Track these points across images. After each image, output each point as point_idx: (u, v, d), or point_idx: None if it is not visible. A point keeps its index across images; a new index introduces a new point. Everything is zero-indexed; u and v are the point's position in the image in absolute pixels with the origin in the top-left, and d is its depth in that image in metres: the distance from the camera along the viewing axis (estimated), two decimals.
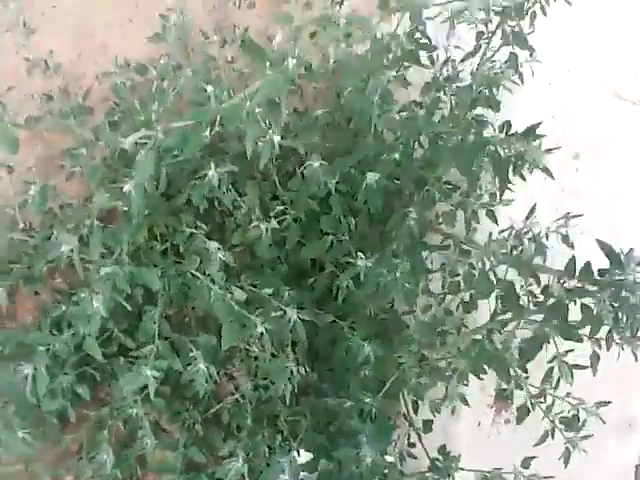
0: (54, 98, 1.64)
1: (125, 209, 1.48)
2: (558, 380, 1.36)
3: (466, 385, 1.53)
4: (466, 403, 1.60)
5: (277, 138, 1.31)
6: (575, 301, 1.18)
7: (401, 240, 1.53)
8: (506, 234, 1.59)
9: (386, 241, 1.62)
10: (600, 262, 1.29)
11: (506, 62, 1.65)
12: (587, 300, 1.19)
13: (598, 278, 1.18)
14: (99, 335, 1.51)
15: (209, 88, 1.32)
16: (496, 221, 1.67)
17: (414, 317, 1.72)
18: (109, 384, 1.76)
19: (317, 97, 1.82)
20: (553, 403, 1.49)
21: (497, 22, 1.52)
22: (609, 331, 1.21)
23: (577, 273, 1.20)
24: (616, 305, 1.13)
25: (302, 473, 1.49)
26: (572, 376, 1.33)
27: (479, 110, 1.48)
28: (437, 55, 1.69)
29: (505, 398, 1.59)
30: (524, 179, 1.43)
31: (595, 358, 1.32)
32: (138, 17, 1.96)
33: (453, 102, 1.55)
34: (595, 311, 1.14)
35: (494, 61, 1.68)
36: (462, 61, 1.69)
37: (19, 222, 1.67)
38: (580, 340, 1.21)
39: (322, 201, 1.60)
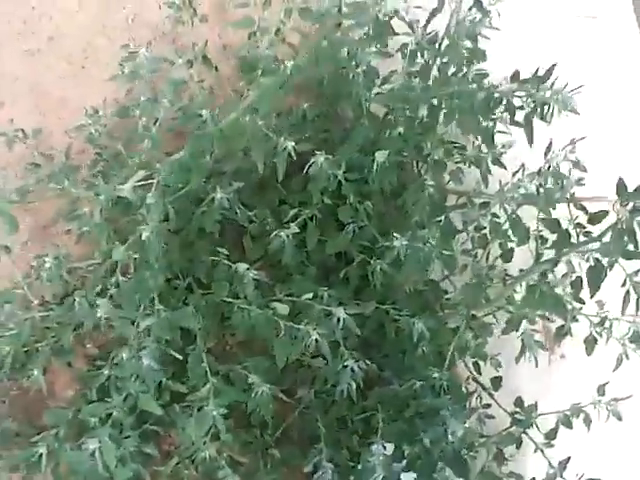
0: (41, 165, 1.57)
1: (136, 257, 1.45)
2: (637, 303, 1.34)
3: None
4: (544, 347, 1.59)
5: (292, 144, 1.27)
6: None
7: (423, 210, 1.51)
8: (520, 175, 1.57)
9: (406, 215, 1.60)
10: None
11: (470, 8, 1.64)
12: None
13: None
14: (146, 390, 1.47)
15: (204, 112, 1.27)
16: (505, 167, 1.65)
17: (450, 282, 1.71)
18: (169, 435, 1.73)
19: (297, 93, 1.78)
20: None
21: None
22: None
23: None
24: None
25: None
26: None
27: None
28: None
29: (563, 335, 1.59)
30: (549, 123, 1.40)
31: None
32: (89, 64, 1.91)
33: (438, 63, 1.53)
34: None
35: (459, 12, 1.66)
36: (429, 20, 1.66)
37: (32, 299, 1.61)
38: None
39: (333, 194, 1.57)
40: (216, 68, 1.76)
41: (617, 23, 2.14)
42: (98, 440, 1.41)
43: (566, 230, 1.32)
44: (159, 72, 1.68)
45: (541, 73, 1.39)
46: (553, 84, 1.31)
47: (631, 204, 1.13)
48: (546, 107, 1.30)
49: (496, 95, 1.33)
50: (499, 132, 1.61)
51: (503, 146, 1.64)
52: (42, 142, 1.77)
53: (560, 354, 1.85)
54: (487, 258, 1.68)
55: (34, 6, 1.94)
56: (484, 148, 1.62)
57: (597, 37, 2.10)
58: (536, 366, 1.81)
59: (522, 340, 1.54)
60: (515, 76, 1.35)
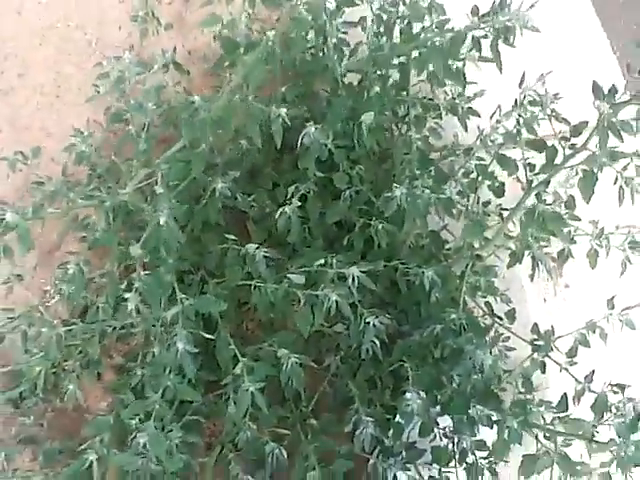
0: (44, 183, 1.64)
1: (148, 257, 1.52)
2: (632, 198, 1.43)
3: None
4: (553, 258, 1.68)
5: (284, 110, 1.35)
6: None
7: (413, 163, 1.60)
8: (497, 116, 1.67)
9: (395, 175, 1.69)
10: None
11: None
12: None
13: None
14: (190, 380, 1.53)
15: (196, 98, 1.35)
16: (478, 114, 1.75)
17: (449, 232, 1.80)
18: (209, 427, 1.79)
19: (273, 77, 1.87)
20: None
21: None
22: None
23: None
24: None
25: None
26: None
27: None
28: None
29: (566, 258, 1.68)
30: (514, 46, 1.50)
31: None
32: (63, 92, 1.98)
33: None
34: None
35: None
36: None
37: (52, 320, 1.67)
38: (627, 155, 1.30)
39: (324, 166, 1.65)
40: (188, 72, 1.84)
41: None
42: (146, 433, 1.46)
43: (552, 146, 1.42)
44: (137, 82, 1.76)
45: None
46: (509, 8, 1.41)
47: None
48: (508, 31, 1.39)
49: (460, 33, 1.42)
50: (470, 83, 1.73)
51: (475, 94, 1.74)
52: (32, 172, 1.85)
53: (564, 284, 1.94)
54: (479, 202, 1.77)
55: None
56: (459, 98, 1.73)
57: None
58: (544, 300, 1.92)
59: (532, 258, 1.61)
60: (474, 10, 1.45)
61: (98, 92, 1.81)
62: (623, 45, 2.17)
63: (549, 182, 1.46)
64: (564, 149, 1.40)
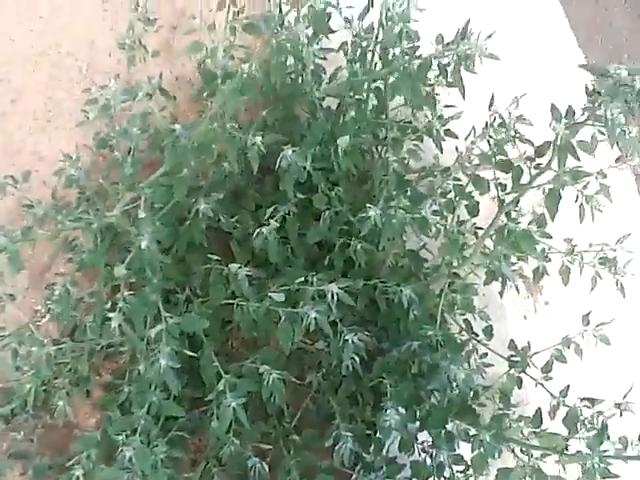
0: (34, 206, 1.71)
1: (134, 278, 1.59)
2: (592, 215, 1.50)
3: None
4: (525, 276, 1.74)
5: (259, 139, 1.42)
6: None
7: (390, 185, 1.67)
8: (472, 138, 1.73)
9: (374, 195, 1.76)
10: None
11: None
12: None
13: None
14: (174, 395, 1.59)
15: (177, 127, 1.43)
16: (456, 135, 1.81)
17: (428, 250, 1.86)
18: (193, 443, 1.85)
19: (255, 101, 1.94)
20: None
21: None
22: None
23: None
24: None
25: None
26: (601, 205, 1.48)
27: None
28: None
29: (541, 275, 1.74)
30: (476, 73, 1.57)
31: (606, 188, 1.47)
32: (54, 117, 2.06)
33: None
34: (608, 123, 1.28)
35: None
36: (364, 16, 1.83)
37: (43, 339, 1.73)
38: (589, 174, 1.37)
39: (304, 188, 1.72)
40: (174, 98, 1.92)
41: None
42: (132, 447, 1.52)
43: (518, 166, 1.48)
44: (122, 109, 1.83)
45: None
46: (470, 38, 1.48)
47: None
48: (468, 59, 1.46)
49: (426, 60, 1.49)
50: (447, 107, 1.80)
51: (451, 117, 1.81)
52: (24, 196, 1.92)
53: (544, 301, 2.00)
54: (458, 220, 1.83)
55: None
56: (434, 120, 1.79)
57: (517, 7, 2.29)
58: (525, 317, 1.98)
59: (501, 276, 1.67)
60: (439, 39, 1.53)
61: (87, 117, 1.87)
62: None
63: (518, 201, 1.52)
64: (530, 169, 1.46)
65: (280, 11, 1.63)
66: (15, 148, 2.03)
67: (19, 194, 1.86)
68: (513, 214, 1.51)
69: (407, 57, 1.50)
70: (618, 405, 1.49)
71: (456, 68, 1.46)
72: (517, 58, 2.20)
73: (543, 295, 1.98)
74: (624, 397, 1.49)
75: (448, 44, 1.48)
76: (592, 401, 1.50)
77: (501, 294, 1.71)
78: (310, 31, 1.64)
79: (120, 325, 1.46)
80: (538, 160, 1.46)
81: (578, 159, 1.31)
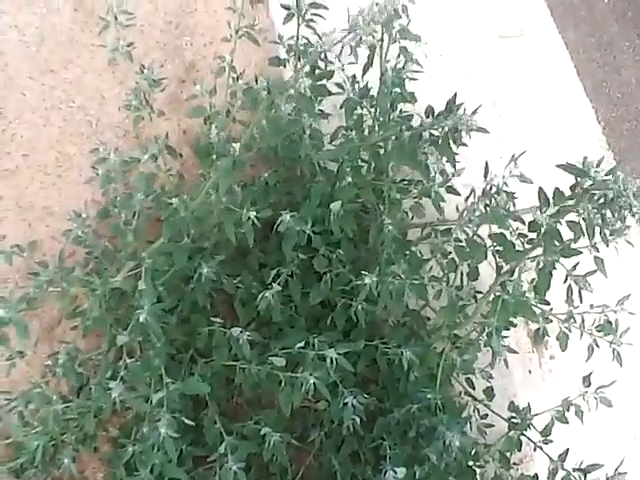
0: (39, 273, 1.80)
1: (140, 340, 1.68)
2: (580, 293, 1.56)
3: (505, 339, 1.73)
4: (514, 351, 1.79)
5: (253, 214, 1.50)
6: (560, 222, 1.39)
7: (389, 247, 1.73)
8: (472, 199, 1.80)
9: (376, 254, 1.83)
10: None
11: (399, 56, 1.89)
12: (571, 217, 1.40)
13: (571, 194, 1.39)
14: (169, 459, 1.67)
15: (174, 201, 1.51)
16: (458, 193, 1.88)
17: (431, 308, 1.92)
18: None
19: (254, 164, 2.03)
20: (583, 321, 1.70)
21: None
22: (600, 232, 1.40)
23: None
24: (598, 206, 1.33)
25: None
26: (589, 284, 1.54)
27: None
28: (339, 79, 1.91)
29: (542, 337, 1.80)
30: (466, 145, 1.65)
31: (599, 261, 1.53)
32: (64, 171, 2.16)
33: (375, 112, 1.76)
34: (585, 219, 1.34)
35: (389, 60, 1.91)
36: (364, 73, 1.92)
37: (52, 396, 1.82)
38: (579, 252, 1.43)
39: (307, 249, 1.79)
40: (180, 155, 2.00)
41: (542, 41, 2.39)
42: None
43: (510, 241, 1.55)
44: (130, 168, 1.92)
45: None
46: (458, 110, 1.55)
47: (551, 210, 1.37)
48: (456, 132, 1.53)
49: (417, 132, 1.57)
50: (448, 162, 1.86)
51: (452, 174, 1.87)
52: (35, 250, 2.02)
53: (550, 355, 2.05)
54: (461, 280, 1.90)
55: (4, 128, 2.21)
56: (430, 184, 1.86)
57: (524, 55, 2.36)
58: (530, 372, 2.04)
59: (490, 347, 1.73)
60: (428, 111, 1.60)
61: (97, 174, 1.97)
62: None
63: (513, 272, 1.58)
64: (523, 244, 1.52)
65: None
66: (26, 202, 2.13)
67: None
68: (508, 284, 1.57)
69: (401, 126, 1.56)
70: (610, 478, 1.53)
71: (444, 141, 1.53)
72: (523, 108, 2.27)
73: (548, 350, 2.03)
74: (616, 470, 1.54)
75: (438, 115, 1.54)
76: (584, 472, 1.55)
77: (491, 366, 1.77)
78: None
79: (120, 393, 1.54)
80: (531, 235, 1.51)
81: (562, 241, 1.37)
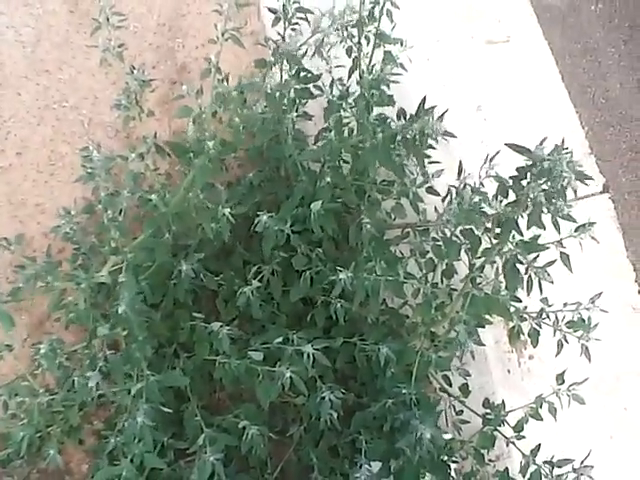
0: (26, 267, 1.87)
1: (125, 333, 1.75)
2: (540, 285, 1.62)
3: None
4: (481, 344, 1.85)
5: (227, 210, 1.57)
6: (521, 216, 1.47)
7: (368, 245, 1.80)
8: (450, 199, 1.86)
9: (357, 253, 1.89)
10: None
11: (384, 60, 1.96)
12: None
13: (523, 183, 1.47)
14: (153, 449, 1.74)
15: (153, 197, 1.59)
16: (438, 193, 1.94)
17: (410, 307, 1.99)
18: None
19: (242, 164, 2.11)
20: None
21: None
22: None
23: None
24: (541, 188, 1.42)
25: None
26: (548, 274, 1.60)
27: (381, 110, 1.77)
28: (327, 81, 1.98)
29: (517, 335, 1.86)
30: (434, 148, 1.72)
31: (566, 257, 1.60)
32: (57, 170, 2.25)
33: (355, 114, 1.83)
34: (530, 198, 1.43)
35: (374, 64, 1.98)
36: (349, 76, 1.98)
37: (38, 388, 1.90)
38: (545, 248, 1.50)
39: (288, 247, 1.86)
40: (169, 154, 2.08)
41: (529, 46, 2.46)
42: None
43: (477, 236, 1.62)
44: (119, 166, 2.00)
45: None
46: (428, 114, 1.62)
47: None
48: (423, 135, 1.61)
49: (390, 133, 1.64)
50: (432, 162, 1.93)
51: (432, 176, 1.94)
52: (25, 246, 2.10)
53: (529, 355, 2.11)
54: (442, 279, 1.96)
55: None
56: (417, 180, 1.93)
57: (510, 60, 2.42)
58: (509, 371, 2.10)
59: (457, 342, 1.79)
60: (400, 113, 1.67)
61: (88, 172, 2.04)
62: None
63: (483, 267, 1.64)
64: (490, 239, 1.59)
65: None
66: (19, 200, 2.22)
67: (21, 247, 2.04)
68: (478, 280, 1.64)
69: (374, 128, 1.63)
70: (576, 470, 1.59)
71: (413, 143, 1.60)
72: (508, 112, 2.34)
73: (526, 349, 2.09)
74: (581, 463, 1.60)
75: (410, 119, 1.61)
76: (552, 464, 1.61)
77: (460, 358, 1.83)
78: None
79: (98, 384, 1.62)
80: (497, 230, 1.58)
81: (521, 234, 1.44)
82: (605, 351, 2.00)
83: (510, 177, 1.49)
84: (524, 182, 1.46)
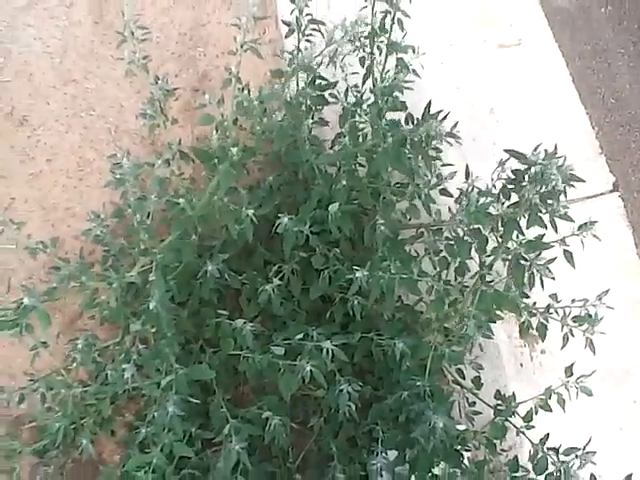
0: (61, 268, 2.03)
1: (154, 330, 1.90)
2: (542, 281, 1.76)
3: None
4: (488, 336, 1.98)
5: (250, 212, 1.72)
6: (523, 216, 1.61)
7: (382, 246, 1.94)
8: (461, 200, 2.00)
9: (371, 252, 2.03)
10: None
11: (397, 67, 2.10)
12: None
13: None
14: (182, 438, 1.89)
15: (181, 200, 1.74)
16: (450, 194, 2.07)
17: (425, 303, 2.12)
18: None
19: (262, 168, 2.25)
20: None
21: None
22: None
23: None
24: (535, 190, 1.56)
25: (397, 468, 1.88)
26: (550, 271, 1.73)
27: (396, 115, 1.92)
28: (343, 89, 2.12)
29: (527, 330, 1.99)
30: (440, 151, 1.85)
31: (569, 255, 1.73)
32: (85, 175, 2.41)
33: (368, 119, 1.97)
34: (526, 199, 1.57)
35: (388, 70, 2.12)
36: (363, 84, 2.13)
37: (71, 382, 2.06)
38: (549, 246, 1.64)
39: (306, 247, 2.01)
40: (192, 160, 2.23)
41: (540, 49, 2.59)
42: None
43: (484, 235, 1.75)
44: (146, 171, 2.15)
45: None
46: (434, 119, 1.76)
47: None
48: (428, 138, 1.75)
49: (399, 137, 1.78)
50: (444, 165, 2.06)
51: (445, 178, 2.07)
52: (58, 248, 2.26)
53: (540, 350, 2.24)
54: (455, 276, 2.09)
55: (29, 135, 2.46)
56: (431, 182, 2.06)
57: (522, 63, 2.55)
58: (521, 365, 2.23)
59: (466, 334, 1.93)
60: (408, 118, 1.80)
61: (115, 178, 2.20)
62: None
63: (492, 265, 1.78)
64: (496, 238, 1.73)
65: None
66: (50, 204, 2.38)
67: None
68: (488, 277, 1.77)
69: (385, 133, 1.77)
70: (578, 457, 1.72)
71: (420, 146, 1.74)
72: (520, 114, 2.47)
73: (538, 344, 2.21)
74: (584, 448, 1.73)
75: (417, 123, 1.75)
76: (557, 451, 1.74)
77: (470, 351, 1.97)
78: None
79: (133, 375, 1.77)
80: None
81: (522, 233, 1.58)
82: (614, 345, 2.14)
83: (507, 180, 1.63)
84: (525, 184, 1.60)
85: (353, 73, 2.17)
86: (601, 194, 2.42)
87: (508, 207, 1.63)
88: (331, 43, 1.89)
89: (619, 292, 2.23)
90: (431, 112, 1.94)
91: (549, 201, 1.55)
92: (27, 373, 2.05)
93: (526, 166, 1.57)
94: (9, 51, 2.60)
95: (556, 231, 1.62)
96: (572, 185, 1.55)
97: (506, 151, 1.60)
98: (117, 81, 2.51)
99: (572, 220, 1.63)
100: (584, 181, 1.56)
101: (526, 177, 1.59)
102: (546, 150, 1.56)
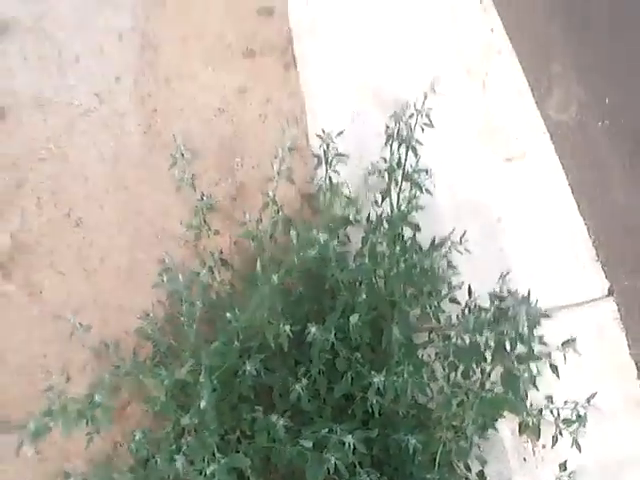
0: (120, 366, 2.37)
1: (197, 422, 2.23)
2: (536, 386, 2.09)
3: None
4: (491, 434, 2.29)
5: (288, 327, 2.07)
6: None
7: (397, 352, 2.27)
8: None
9: (388, 355, 2.36)
10: None
11: (411, 189, 2.45)
12: None
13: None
14: None
15: (228, 315, 2.09)
16: (459, 302, 2.40)
17: (434, 402, 2.44)
18: None
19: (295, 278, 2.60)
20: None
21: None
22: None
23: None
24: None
25: None
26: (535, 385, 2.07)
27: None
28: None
29: (526, 427, 2.30)
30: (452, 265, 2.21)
31: (554, 368, 2.07)
32: (135, 275, 2.77)
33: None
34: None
35: (404, 190, 2.47)
36: (382, 202, 2.48)
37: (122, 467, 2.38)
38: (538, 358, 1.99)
39: (331, 350, 2.34)
40: (232, 266, 2.58)
41: (542, 162, 2.94)
42: None
43: (481, 352, 2.08)
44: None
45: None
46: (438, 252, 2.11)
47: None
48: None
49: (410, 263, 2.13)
50: (456, 274, 2.40)
51: (454, 287, 2.40)
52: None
53: (542, 444, 2.54)
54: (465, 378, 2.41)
55: (84, 236, 2.83)
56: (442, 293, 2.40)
57: (526, 175, 2.90)
58: (524, 459, 2.54)
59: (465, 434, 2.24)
60: (433, 244, 2.16)
61: (163, 280, 2.55)
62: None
63: (490, 372, 2.11)
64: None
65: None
66: (103, 301, 2.73)
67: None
68: (487, 384, 2.10)
69: (398, 258, 2.12)
70: None
71: (427, 274, 2.09)
72: (524, 223, 2.81)
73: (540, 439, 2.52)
74: None
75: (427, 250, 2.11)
76: None
77: (470, 448, 2.28)
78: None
79: (182, 463, 2.10)
80: None
81: (513, 364, 1.91)
82: (609, 442, 2.44)
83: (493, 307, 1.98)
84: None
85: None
86: (597, 299, 2.74)
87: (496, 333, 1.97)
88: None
89: (614, 390, 2.53)
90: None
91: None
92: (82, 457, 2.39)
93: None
94: (67, 155, 2.98)
95: (533, 351, 1.95)
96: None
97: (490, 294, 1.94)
98: (164, 189, 2.88)
99: (545, 344, 1.97)
100: (549, 316, 1.92)
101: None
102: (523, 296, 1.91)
